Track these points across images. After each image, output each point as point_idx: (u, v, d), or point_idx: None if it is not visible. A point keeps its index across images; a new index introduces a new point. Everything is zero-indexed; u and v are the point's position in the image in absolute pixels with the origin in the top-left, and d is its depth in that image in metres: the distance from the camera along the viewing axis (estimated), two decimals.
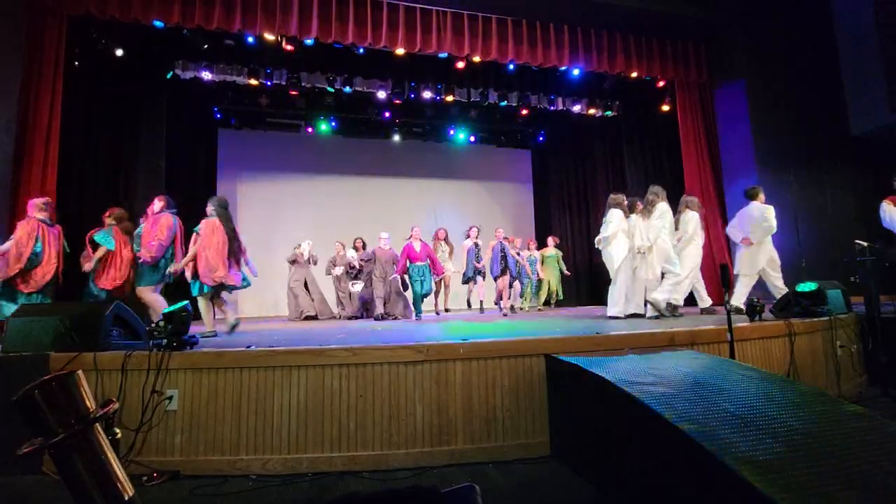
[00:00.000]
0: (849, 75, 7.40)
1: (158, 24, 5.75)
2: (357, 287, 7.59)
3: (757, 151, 6.93)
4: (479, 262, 7.17)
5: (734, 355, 2.91)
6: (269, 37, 6.27)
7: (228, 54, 7.37)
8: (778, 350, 3.45)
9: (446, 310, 7.77)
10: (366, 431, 2.62)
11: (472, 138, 10.80)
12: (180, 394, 2.57)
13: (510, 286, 7.53)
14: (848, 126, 7.40)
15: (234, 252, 4.47)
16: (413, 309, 6.86)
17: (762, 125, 7.01)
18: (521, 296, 8.30)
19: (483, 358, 2.79)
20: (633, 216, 5.22)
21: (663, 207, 5.07)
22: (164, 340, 2.67)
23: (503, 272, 7.18)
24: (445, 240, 7.58)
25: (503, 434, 2.73)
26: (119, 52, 6.74)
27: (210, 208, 4.58)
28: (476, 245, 7.15)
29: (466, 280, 7.33)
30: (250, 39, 6.45)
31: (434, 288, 7.14)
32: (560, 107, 8.79)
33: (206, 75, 7.47)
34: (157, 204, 4.68)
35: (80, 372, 0.72)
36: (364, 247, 7.94)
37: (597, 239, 5.34)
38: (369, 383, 2.66)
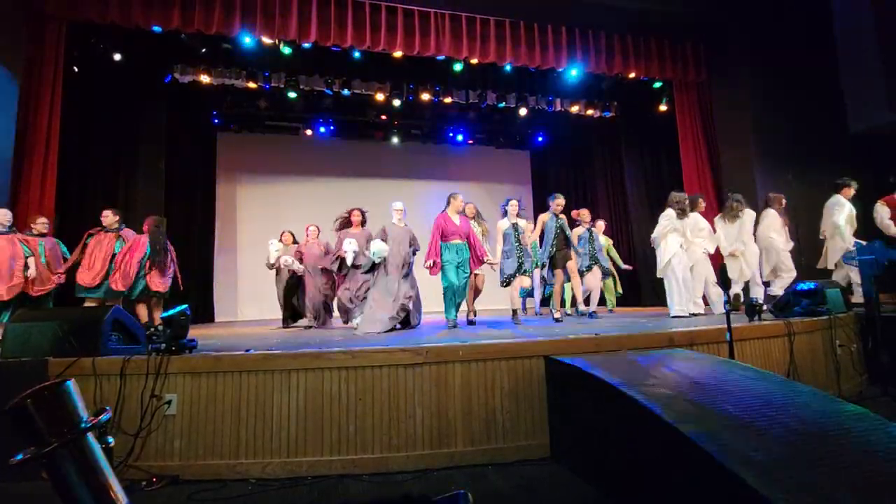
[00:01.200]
0: (847, 74, 7.40)
1: (157, 29, 5.76)
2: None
3: (755, 150, 6.93)
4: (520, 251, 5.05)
5: (733, 355, 2.91)
6: (268, 40, 6.28)
7: (227, 58, 7.38)
8: (777, 350, 3.44)
9: (474, 314, 5.60)
10: (365, 434, 2.62)
11: (471, 140, 10.80)
12: (179, 398, 2.57)
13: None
14: (847, 124, 7.41)
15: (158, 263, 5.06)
16: (447, 313, 4.78)
17: (760, 124, 7.01)
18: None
19: (482, 360, 2.79)
20: (717, 218, 5.67)
21: (751, 213, 5.54)
22: (163, 344, 2.67)
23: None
24: (477, 217, 5.78)
25: (503, 436, 2.73)
26: (117, 57, 6.76)
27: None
28: (515, 227, 5.12)
29: (509, 278, 5.04)
30: (248, 41, 6.44)
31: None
32: (558, 108, 8.79)
33: (205, 79, 7.48)
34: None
35: (72, 381, 0.72)
36: (294, 241, 6.54)
37: (651, 238, 5.44)
38: (368, 386, 2.66)
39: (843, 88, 7.39)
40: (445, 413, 2.69)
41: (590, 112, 8.90)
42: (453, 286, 4.67)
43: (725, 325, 2.95)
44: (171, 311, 2.77)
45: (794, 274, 5.50)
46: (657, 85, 8.04)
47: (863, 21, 7.18)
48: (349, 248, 5.22)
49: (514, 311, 5.13)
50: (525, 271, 5.04)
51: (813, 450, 1.60)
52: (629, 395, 1.97)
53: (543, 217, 5.50)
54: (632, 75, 7.27)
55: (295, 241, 6.61)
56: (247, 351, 2.78)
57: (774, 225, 5.57)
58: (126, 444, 2.48)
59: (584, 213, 6.42)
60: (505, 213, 5.26)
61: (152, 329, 4.52)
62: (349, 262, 5.25)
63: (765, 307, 4.30)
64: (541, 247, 5.73)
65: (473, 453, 2.67)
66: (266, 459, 2.55)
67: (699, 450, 1.57)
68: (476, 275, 5.48)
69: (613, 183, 9.49)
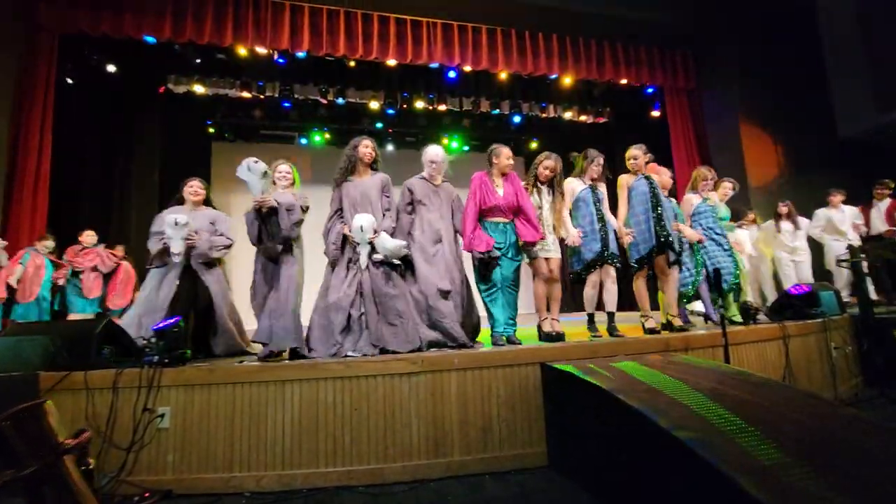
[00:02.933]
0: (835, 78, 7.51)
1: (150, 39, 5.78)
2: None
3: (746, 155, 7.00)
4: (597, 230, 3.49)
5: (729, 359, 2.91)
6: (261, 50, 6.31)
7: (221, 68, 7.40)
8: (773, 353, 3.45)
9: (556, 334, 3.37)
10: (361, 445, 2.59)
11: (466, 146, 10.84)
12: (172, 411, 2.54)
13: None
14: (836, 128, 7.50)
15: None
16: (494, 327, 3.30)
17: (751, 129, 7.08)
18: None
19: (478, 368, 2.77)
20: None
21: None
22: (156, 357, 2.64)
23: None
24: (551, 182, 3.61)
25: (500, 444, 2.71)
26: (111, 68, 6.77)
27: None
28: (594, 193, 3.62)
29: (585, 270, 3.51)
30: (241, 51, 6.46)
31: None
32: (552, 114, 8.86)
33: (199, 89, 7.49)
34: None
35: (49, 402, 0.71)
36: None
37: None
38: (364, 396, 2.64)
39: (832, 93, 7.49)
40: (441, 422, 2.67)
41: (583, 118, 8.97)
42: (498, 281, 3.30)
43: (721, 330, 2.95)
44: (163, 324, 2.75)
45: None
46: (649, 91, 8.12)
47: (849, 27, 7.29)
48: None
49: (591, 317, 3.57)
50: (611, 258, 3.49)
51: (811, 455, 1.60)
52: (624, 402, 1.96)
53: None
54: (623, 82, 7.35)
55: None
56: (240, 362, 2.76)
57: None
58: (118, 458, 2.44)
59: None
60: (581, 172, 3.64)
61: (145, 341, 4.51)
62: None
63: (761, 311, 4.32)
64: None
65: (470, 462, 2.65)
66: (260, 472, 2.52)
67: (696, 456, 1.57)
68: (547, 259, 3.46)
69: (607, 188, 9.51)
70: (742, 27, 7.24)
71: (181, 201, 3.61)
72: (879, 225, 5.81)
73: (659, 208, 3.60)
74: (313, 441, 2.57)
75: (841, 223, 5.89)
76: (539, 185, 3.63)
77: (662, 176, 3.96)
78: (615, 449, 2.12)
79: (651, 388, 2.17)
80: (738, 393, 2.16)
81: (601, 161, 3.71)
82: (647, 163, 3.80)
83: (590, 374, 2.36)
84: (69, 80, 6.37)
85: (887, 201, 5.82)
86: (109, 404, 2.50)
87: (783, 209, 5.94)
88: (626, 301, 4.18)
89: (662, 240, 3.54)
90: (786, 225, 5.89)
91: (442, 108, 8.45)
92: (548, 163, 3.59)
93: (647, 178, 3.73)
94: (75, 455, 0.65)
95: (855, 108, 7.25)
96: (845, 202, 6.02)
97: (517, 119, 9.34)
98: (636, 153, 3.79)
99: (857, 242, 5.57)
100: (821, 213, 6.03)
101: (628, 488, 2.02)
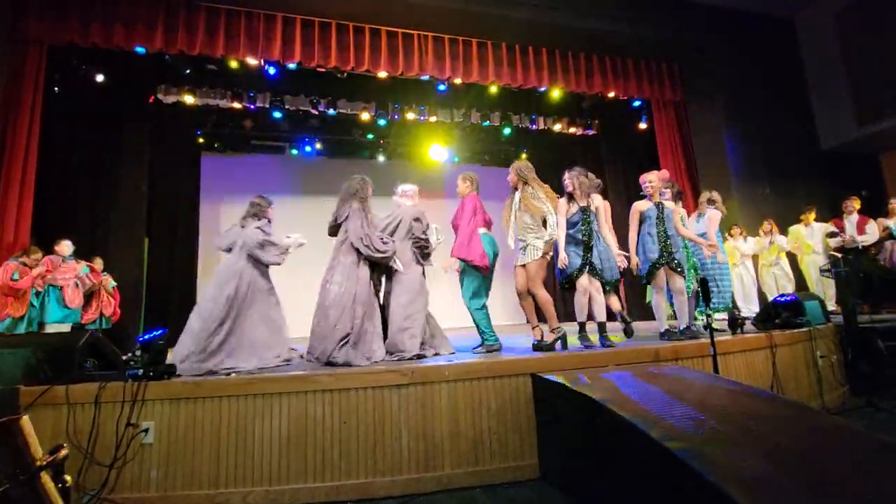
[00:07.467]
0: (816, 92, 7.72)
1: (140, 50, 5.75)
2: None
3: (732, 166, 7.13)
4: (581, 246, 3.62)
5: (718, 369, 2.92)
6: (252, 61, 6.32)
7: (211, 78, 7.39)
8: (761, 362, 3.48)
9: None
10: (350, 459, 2.55)
11: (457, 158, 10.90)
12: (156, 426, 2.49)
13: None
14: (818, 140, 7.68)
15: None
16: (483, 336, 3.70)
17: (736, 141, 7.23)
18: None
19: (469, 379, 2.76)
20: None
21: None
22: (141, 370, 2.59)
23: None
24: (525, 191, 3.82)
25: (491, 457, 2.68)
26: (100, 78, 6.73)
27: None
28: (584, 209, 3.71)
29: (569, 279, 3.63)
30: (233, 64, 6.47)
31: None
32: (541, 126, 8.96)
33: (189, 99, 7.46)
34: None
35: (26, 418, 0.69)
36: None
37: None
38: (353, 409, 2.61)
39: (813, 107, 7.68)
40: (432, 435, 2.64)
41: (572, 130, 9.08)
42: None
43: (709, 340, 2.97)
44: (148, 336, 2.70)
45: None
46: (636, 103, 8.26)
47: (829, 42, 7.51)
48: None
49: (582, 325, 3.64)
50: (595, 270, 3.61)
51: (799, 465, 1.61)
52: (614, 413, 1.96)
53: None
54: (611, 94, 7.46)
55: None
56: (228, 375, 2.72)
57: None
58: (100, 475, 2.38)
59: None
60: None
61: (129, 355, 4.46)
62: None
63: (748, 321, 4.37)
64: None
65: (461, 476, 2.62)
66: (247, 488, 2.47)
67: (686, 467, 1.56)
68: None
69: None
70: (727, 41, 7.42)
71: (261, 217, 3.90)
72: (856, 237, 5.98)
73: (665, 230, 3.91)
74: (301, 455, 2.52)
75: (809, 237, 6.28)
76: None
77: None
78: (607, 460, 2.11)
79: (642, 399, 2.17)
80: (727, 403, 2.17)
81: (573, 182, 3.86)
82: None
83: (580, 385, 2.36)
84: (56, 90, 6.31)
85: (855, 216, 6.03)
86: (92, 419, 2.44)
87: (766, 227, 6.34)
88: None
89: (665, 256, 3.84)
90: (767, 239, 6.36)
91: (433, 119, 8.50)
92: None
93: (658, 205, 4.01)
94: (51, 472, 0.63)
95: (836, 120, 7.45)
96: (834, 214, 6.35)
97: (507, 131, 9.42)
98: (650, 178, 4.09)
99: (831, 252, 5.91)
100: (793, 230, 6.42)
101: (619, 499, 2.01)
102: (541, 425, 2.72)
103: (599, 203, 3.86)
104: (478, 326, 3.76)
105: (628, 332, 4.04)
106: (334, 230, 3.76)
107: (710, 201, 4.72)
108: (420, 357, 3.34)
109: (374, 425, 2.60)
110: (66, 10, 5.41)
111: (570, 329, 3.71)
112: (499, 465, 2.67)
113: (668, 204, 4.05)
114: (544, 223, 3.62)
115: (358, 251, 3.47)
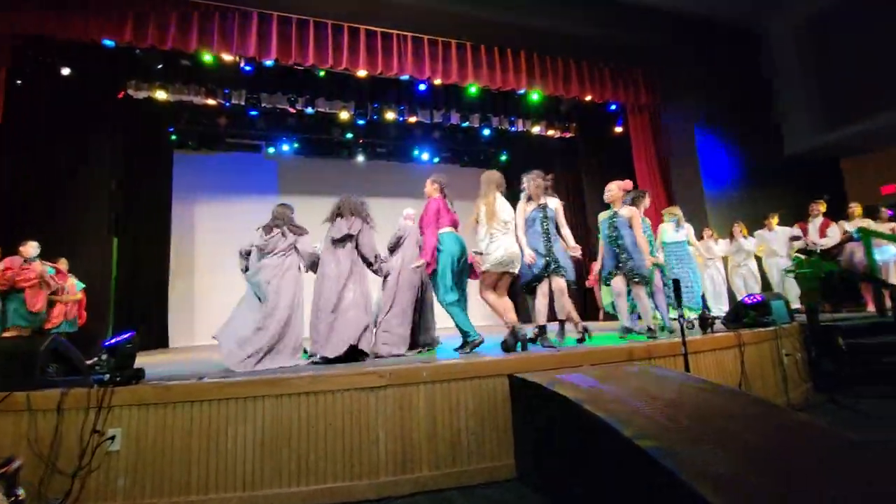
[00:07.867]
0: (779, 99, 8.03)
1: (109, 42, 5.56)
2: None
3: (703, 170, 7.35)
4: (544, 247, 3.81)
5: (689, 368, 3.00)
6: (227, 57, 6.18)
7: (185, 74, 7.19)
8: (730, 361, 3.58)
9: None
10: (327, 463, 2.52)
11: (437, 158, 10.90)
12: (124, 432, 2.40)
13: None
14: (782, 147, 7.98)
15: None
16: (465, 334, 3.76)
17: (707, 145, 7.45)
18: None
19: (446, 380, 2.76)
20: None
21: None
22: (107, 375, 2.50)
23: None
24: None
25: (468, 458, 2.69)
26: (66, 71, 6.47)
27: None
28: (543, 209, 3.98)
29: (532, 281, 3.85)
30: (207, 58, 6.30)
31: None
32: (521, 128, 9.04)
33: (161, 95, 7.25)
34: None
35: None
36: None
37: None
38: (329, 412, 2.58)
39: (777, 113, 7.99)
40: (409, 437, 2.63)
41: (550, 132, 9.19)
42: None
43: (681, 339, 3.05)
44: (115, 339, 2.61)
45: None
46: (612, 107, 8.42)
47: (794, 50, 7.80)
48: None
49: (541, 329, 3.75)
50: (559, 269, 3.76)
51: (767, 463, 1.65)
52: (589, 412, 1.99)
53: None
54: (588, 98, 7.58)
55: None
56: (200, 379, 2.65)
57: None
58: (63, 485, 2.29)
59: None
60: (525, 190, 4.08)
61: (95, 359, 4.32)
62: None
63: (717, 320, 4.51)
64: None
65: (438, 477, 2.61)
66: (221, 494, 2.41)
67: (658, 465, 1.60)
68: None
69: (574, 200, 9.76)
70: (694, 49, 7.64)
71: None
72: (816, 240, 6.25)
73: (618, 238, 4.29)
74: (277, 460, 2.48)
75: (773, 242, 6.56)
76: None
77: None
78: (581, 460, 2.14)
79: (615, 398, 2.21)
80: (698, 402, 2.23)
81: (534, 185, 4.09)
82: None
83: (556, 385, 2.39)
84: (18, 82, 6.04)
85: (820, 219, 6.29)
86: (54, 427, 2.34)
87: (736, 229, 6.54)
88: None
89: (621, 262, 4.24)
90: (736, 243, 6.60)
91: (412, 119, 8.48)
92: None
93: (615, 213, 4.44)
94: (4, 485, 0.60)
95: (800, 126, 7.75)
96: (799, 218, 6.64)
97: (487, 132, 9.47)
98: (610, 187, 4.53)
99: (793, 255, 6.21)
100: (757, 234, 6.68)
101: (594, 498, 2.04)
102: (517, 425, 2.75)
103: (557, 204, 4.09)
104: (456, 324, 3.81)
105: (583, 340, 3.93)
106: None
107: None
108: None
109: (352, 428, 2.58)
110: None
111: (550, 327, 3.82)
112: (476, 465, 2.68)
113: (623, 210, 4.39)
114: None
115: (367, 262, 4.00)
